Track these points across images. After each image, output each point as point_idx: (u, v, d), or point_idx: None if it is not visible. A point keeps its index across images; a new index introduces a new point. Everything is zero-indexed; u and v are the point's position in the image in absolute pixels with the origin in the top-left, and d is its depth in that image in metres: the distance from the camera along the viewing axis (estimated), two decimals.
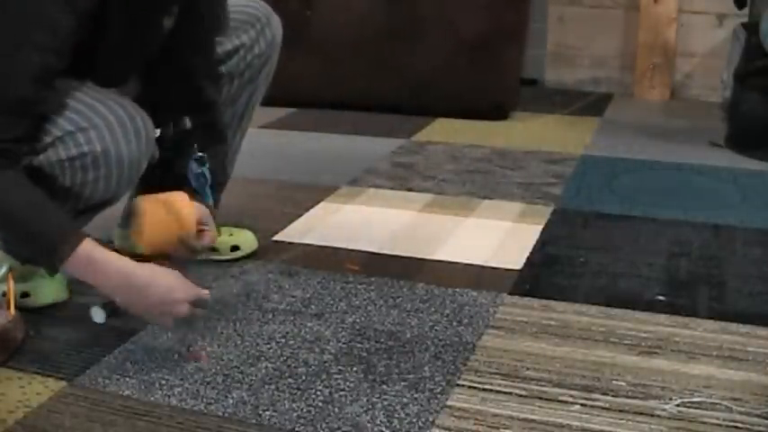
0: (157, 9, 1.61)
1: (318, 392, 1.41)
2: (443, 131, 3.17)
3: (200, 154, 1.68)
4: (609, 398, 1.40)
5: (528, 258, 1.98)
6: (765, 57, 2.92)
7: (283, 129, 3.18)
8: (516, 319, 1.68)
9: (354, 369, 1.48)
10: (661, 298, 1.78)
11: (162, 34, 1.65)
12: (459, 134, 3.12)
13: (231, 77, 1.86)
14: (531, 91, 3.79)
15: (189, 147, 1.69)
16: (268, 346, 1.56)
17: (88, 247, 1.39)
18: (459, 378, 1.46)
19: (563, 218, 2.27)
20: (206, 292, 1.50)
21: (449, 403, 1.38)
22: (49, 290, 1.68)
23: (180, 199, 1.55)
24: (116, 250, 1.47)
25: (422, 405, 1.37)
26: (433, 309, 1.72)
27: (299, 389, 1.42)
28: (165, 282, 1.44)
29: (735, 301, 1.78)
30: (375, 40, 3.46)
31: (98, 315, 1.52)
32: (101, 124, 1.46)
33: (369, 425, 1.32)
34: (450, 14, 3.42)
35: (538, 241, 2.09)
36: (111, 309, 1.50)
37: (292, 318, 1.68)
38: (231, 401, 1.38)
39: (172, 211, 1.53)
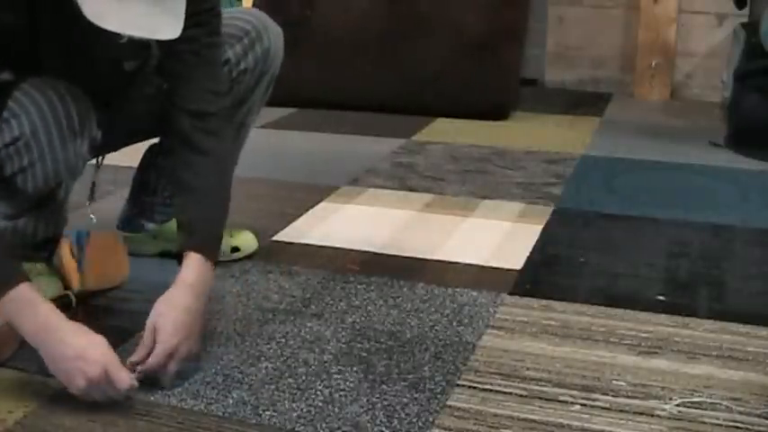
0: (102, 49, 1.54)
1: (318, 392, 1.41)
2: (443, 131, 3.17)
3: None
4: (609, 398, 1.40)
5: (528, 258, 1.98)
6: (765, 57, 2.93)
7: (283, 129, 3.18)
8: (516, 319, 1.68)
9: (354, 369, 1.48)
10: (661, 298, 1.78)
11: (124, 75, 1.63)
12: (459, 134, 3.12)
13: None
14: (531, 91, 3.79)
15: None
16: (268, 346, 1.56)
17: (25, 291, 1.34)
18: (459, 378, 1.46)
19: (563, 218, 2.26)
20: (126, 383, 1.32)
21: (449, 403, 1.38)
22: (47, 289, 1.68)
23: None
24: None
25: (422, 405, 1.37)
26: (433, 309, 1.72)
27: (299, 389, 1.42)
28: (82, 352, 1.32)
29: (735, 301, 1.78)
30: (375, 40, 3.47)
31: None
32: (31, 108, 1.46)
33: (369, 425, 1.32)
34: (451, 14, 3.42)
35: (538, 241, 2.09)
36: (61, 303, 1.56)
37: (292, 318, 1.68)
38: (231, 401, 1.38)
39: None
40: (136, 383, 1.34)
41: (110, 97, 1.63)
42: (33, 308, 1.34)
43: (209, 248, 1.54)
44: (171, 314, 1.43)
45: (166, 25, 1.32)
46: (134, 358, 1.40)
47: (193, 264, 1.50)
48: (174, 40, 1.35)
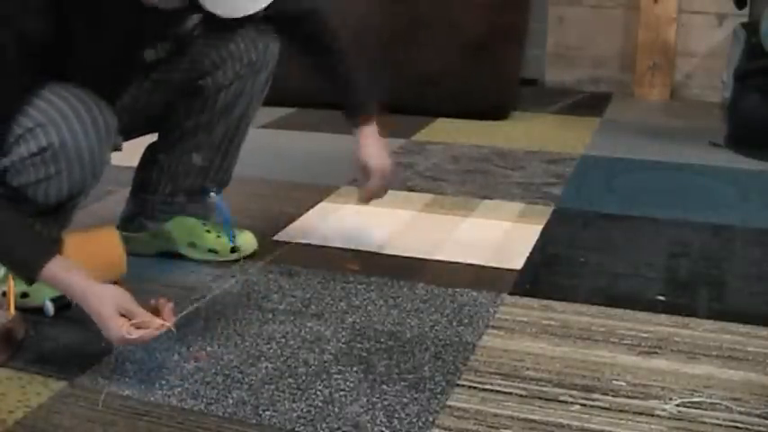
0: (132, 41, 1.59)
1: (318, 392, 1.41)
2: (443, 131, 3.17)
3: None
4: (609, 398, 1.40)
5: (528, 258, 1.98)
6: (765, 57, 2.92)
7: (283, 129, 3.18)
8: (516, 319, 1.68)
9: (354, 369, 1.48)
10: (661, 298, 1.78)
11: (144, 65, 1.65)
12: (459, 134, 3.12)
13: (218, 88, 1.82)
14: (531, 91, 3.79)
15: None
16: (268, 346, 1.56)
17: (56, 265, 1.40)
18: (459, 378, 1.46)
19: (563, 218, 2.26)
20: (136, 335, 1.37)
21: (449, 403, 1.38)
22: (48, 290, 1.68)
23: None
24: None
25: (422, 405, 1.37)
26: (433, 309, 1.72)
27: (299, 389, 1.42)
28: (99, 313, 1.39)
29: (735, 301, 1.78)
30: (375, 40, 3.46)
31: (48, 309, 1.64)
32: (57, 118, 1.47)
33: (369, 425, 1.32)
34: (451, 15, 3.42)
35: (538, 241, 2.09)
36: (61, 303, 1.62)
37: (292, 318, 1.68)
38: (231, 401, 1.38)
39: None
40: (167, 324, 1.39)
41: (123, 85, 1.64)
42: (60, 278, 1.41)
43: (368, 106, 1.92)
44: (373, 149, 1.87)
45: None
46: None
47: (363, 120, 1.90)
48: None
